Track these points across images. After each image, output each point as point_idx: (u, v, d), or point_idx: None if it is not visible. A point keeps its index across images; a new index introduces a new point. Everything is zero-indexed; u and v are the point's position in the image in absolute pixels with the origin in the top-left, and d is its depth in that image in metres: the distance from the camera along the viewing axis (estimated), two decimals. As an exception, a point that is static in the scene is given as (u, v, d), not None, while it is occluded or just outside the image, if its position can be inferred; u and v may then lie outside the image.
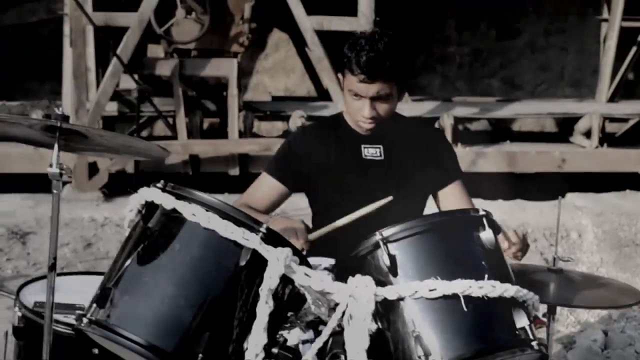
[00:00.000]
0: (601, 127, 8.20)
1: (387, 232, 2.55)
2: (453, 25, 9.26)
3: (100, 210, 6.99)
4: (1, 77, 8.40)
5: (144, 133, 8.49)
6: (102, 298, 2.44)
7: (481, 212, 2.60)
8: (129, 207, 2.55)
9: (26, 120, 2.52)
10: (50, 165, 2.45)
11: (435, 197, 3.37)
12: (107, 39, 6.99)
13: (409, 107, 7.59)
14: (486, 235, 2.56)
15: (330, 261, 3.09)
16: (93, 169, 7.22)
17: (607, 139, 8.26)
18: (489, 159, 7.88)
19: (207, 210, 2.41)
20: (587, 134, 8.25)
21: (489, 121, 9.20)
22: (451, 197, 3.32)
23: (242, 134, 7.68)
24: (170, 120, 7.66)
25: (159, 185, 2.53)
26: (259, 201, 3.34)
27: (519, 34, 9.46)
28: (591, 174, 8.05)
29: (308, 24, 7.32)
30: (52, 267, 2.47)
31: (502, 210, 7.22)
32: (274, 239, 2.44)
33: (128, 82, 7.26)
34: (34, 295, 3.17)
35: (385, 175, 3.27)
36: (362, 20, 7.22)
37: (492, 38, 9.43)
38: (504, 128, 9.29)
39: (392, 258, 2.50)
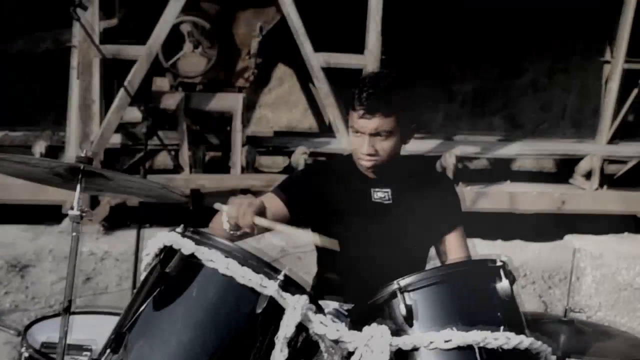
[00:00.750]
0: (601, 168, 8.21)
1: (405, 281, 2.56)
2: (456, 63, 9.29)
3: (100, 243, 6.94)
4: (3, 106, 8.37)
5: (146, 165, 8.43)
6: (116, 343, 2.44)
7: (498, 263, 2.62)
8: (146, 251, 2.56)
9: (50, 163, 2.52)
10: (72, 208, 2.45)
11: (437, 242, 3.41)
12: (115, 71, 6.99)
13: (410, 145, 7.57)
14: (502, 285, 2.57)
15: (334, 304, 3.10)
16: (93, 202, 7.19)
17: (607, 181, 8.27)
18: (490, 199, 7.88)
19: (225, 257, 2.42)
20: (587, 175, 8.25)
21: (488, 160, 9.20)
22: (451, 243, 3.37)
23: (244, 169, 7.67)
24: (173, 152, 7.63)
25: (178, 230, 2.54)
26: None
27: (522, 73, 9.48)
28: (590, 216, 8.04)
29: (315, 60, 7.30)
30: (67, 310, 2.46)
31: (501, 251, 7.21)
32: (291, 286, 2.45)
33: (132, 114, 7.24)
34: (40, 335, 3.16)
35: (393, 220, 3.30)
36: (369, 58, 7.22)
37: (494, 76, 9.45)
38: (504, 167, 9.28)
39: (408, 308, 2.51)
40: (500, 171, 8.83)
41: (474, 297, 2.58)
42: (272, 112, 9.27)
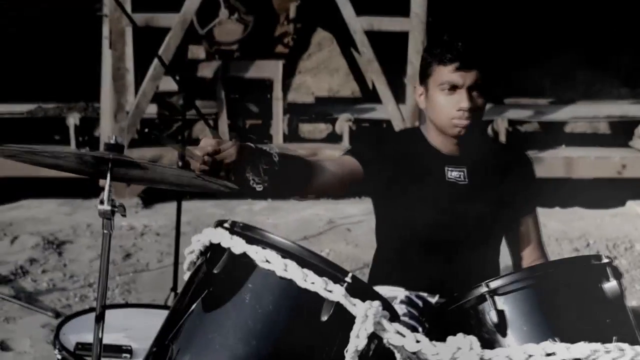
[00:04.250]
0: (662, 130, 7.87)
1: (495, 283, 2.19)
2: (503, 26, 8.92)
3: (139, 218, 6.71)
4: (34, 78, 8.19)
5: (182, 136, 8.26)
6: (159, 356, 2.10)
7: (604, 260, 2.24)
8: (189, 249, 2.21)
9: (76, 154, 2.18)
10: (102, 202, 2.10)
11: (510, 228, 3.09)
12: (148, 40, 6.83)
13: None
14: (611, 286, 2.20)
15: (404, 292, 2.78)
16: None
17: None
18: (545, 164, 7.51)
19: (283, 257, 2.06)
20: (647, 138, 7.92)
21: (539, 123, 8.87)
22: (525, 229, 3.07)
23: (286, 137, 7.44)
24: (211, 122, 7.44)
25: (226, 225, 2.18)
26: (328, 161, 2.92)
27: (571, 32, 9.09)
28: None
29: (358, 24, 7.04)
30: (100, 317, 2.12)
31: (560, 219, 6.88)
32: (361, 290, 2.09)
33: (168, 84, 7.05)
34: (75, 334, 2.86)
35: (468, 201, 2.96)
36: (415, 21, 6.92)
37: (544, 35, 9.06)
38: (556, 130, 8.93)
39: (500, 314, 2.15)
40: (553, 134, 8.50)
41: (579, 300, 2.20)
42: (313, 77, 9.04)
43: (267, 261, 2.06)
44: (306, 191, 2.83)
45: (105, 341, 2.53)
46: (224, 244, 2.12)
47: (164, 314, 2.58)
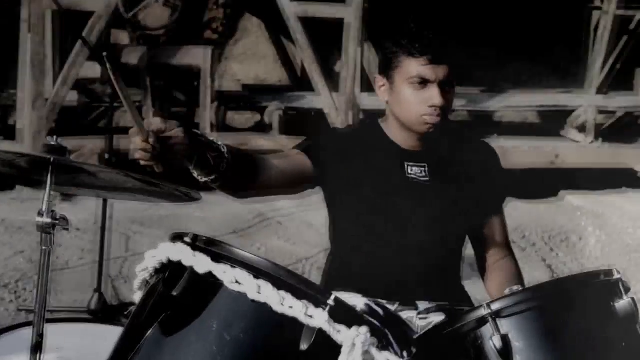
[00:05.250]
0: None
1: (497, 304, 1.97)
2: (441, 13, 8.82)
3: (60, 211, 6.36)
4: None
5: (102, 124, 7.99)
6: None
7: (616, 276, 2.03)
8: (141, 266, 1.92)
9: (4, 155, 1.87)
10: (40, 214, 1.79)
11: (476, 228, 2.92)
12: (70, 24, 6.56)
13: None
14: (624, 305, 2.00)
15: (363, 299, 2.58)
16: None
17: (599, 133, 7.86)
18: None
19: (256, 277, 1.79)
20: (579, 127, 7.83)
21: (469, 112, 8.81)
22: (491, 229, 2.90)
23: (213, 126, 7.21)
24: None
25: (187, 239, 1.90)
26: (274, 157, 2.70)
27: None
28: (584, 170, 7.62)
29: (292, 10, 6.87)
30: (37, 347, 1.83)
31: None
32: (345, 314, 1.84)
33: (90, 70, 6.74)
34: (3, 354, 2.56)
35: (430, 199, 2.77)
36: (352, 7, 6.77)
37: (475, 23, 8.98)
38: (485, 119, 8.87)
39: (504, 339, 1.93)
40: (484, 124, 8.45)
41: (590, 323, 2.00)
42: (240, 64, 8.86)
43: (237, 282, 1.79)
44: (251, 189, 2.61)
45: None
46: (186, 262, 1.84)
47: (99, 329, 2.32)
